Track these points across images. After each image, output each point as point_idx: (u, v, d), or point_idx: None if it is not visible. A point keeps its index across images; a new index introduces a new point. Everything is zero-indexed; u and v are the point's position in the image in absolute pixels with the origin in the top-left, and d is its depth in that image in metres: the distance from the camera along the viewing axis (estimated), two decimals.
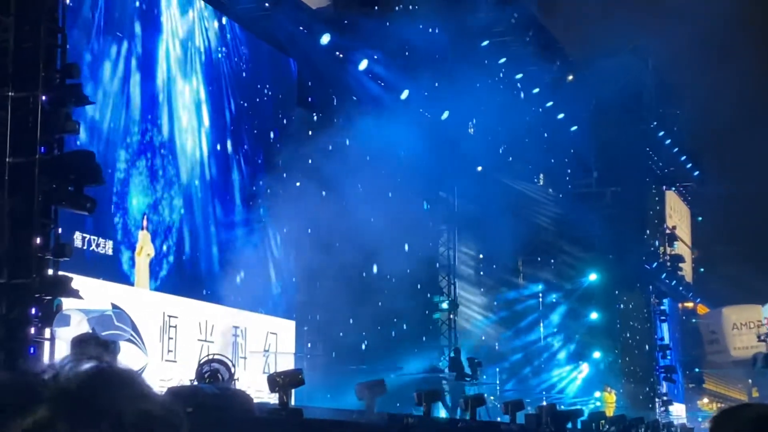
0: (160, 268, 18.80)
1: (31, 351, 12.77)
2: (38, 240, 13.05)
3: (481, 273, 34.37)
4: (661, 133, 47.20)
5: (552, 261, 39.74)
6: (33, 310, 12.81)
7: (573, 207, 39.34)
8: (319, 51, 23.86)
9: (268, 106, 22.94)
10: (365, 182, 23.58)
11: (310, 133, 23.87)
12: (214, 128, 20.77)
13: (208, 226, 20.37)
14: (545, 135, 36.79)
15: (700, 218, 59.76)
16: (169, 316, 18.73)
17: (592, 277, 40.44)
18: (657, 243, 49.43)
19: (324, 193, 21.46)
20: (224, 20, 21.43)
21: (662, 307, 47.96)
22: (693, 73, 52.72)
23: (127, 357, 15.73)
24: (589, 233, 39.57)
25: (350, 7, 25.15)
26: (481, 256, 33.99)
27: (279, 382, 14.41)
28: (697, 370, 58.08)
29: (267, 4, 22.16)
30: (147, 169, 18.60)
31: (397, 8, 26.96)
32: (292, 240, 22.38)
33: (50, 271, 13.16)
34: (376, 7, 26.04)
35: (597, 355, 40.23)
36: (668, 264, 50.09)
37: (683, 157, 51.07)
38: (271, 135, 23.04)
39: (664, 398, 45.73)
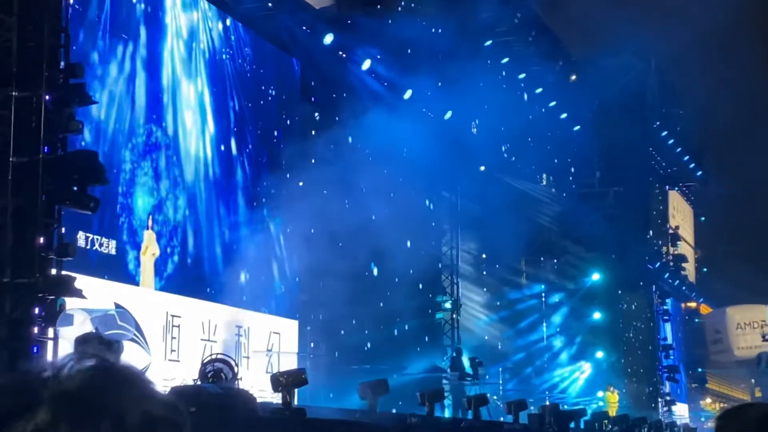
0: (165, 267, 18.84)
1: (35, 350, 12.78)
2: (42, 240, 13.06)
3: (484, 272, 34.37)
4: (664, 133, 47.18)
5: (555, 261, 39.74)
6: (36, 310, 12.82)
7: (576, 207, 39.34)
8: (322, 51, 23.87)
9: (272, 107, 22.97)
10: (368, 182, 23.58)
11: (313, 132, 23.88)
12: (218, 129, 20.81)
13: (212, 226, 20.40)
14: (548, 135, 36.77)
15: (703, 218, 59.73)
16: (173, 316, 18.75)
17: (595, 276, 40.42)
18: (660, 243, 49.40)
19: (327, 192, 21.46)
20: (228, 21, 21.47)
21: (665, 307, 47.93)
22: (696, 73, 52.74)
23: (131, 356, 15.73)
24: (592, 233, 39.55)
25: (353, 6, 25.16)
26: (483, 255, 33.99)
27: (282, 381, 14.42)
28: (700, 370, 58.06)
29: (270, 4, 22.17)
30: (152, 169, 18.67)
31: (399, 8, 26.96)
32: (295, 240, 22.39)
33: (53, 271, 13.17)
34: (379, 7, 26.03)
35: (600, 354, 40.21)
36: (671, 264, 50.07)
37: (686, 157, 51.05)
38: (275, 135, 23.06)
39: (667, 398, 45.71)
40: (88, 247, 16.58)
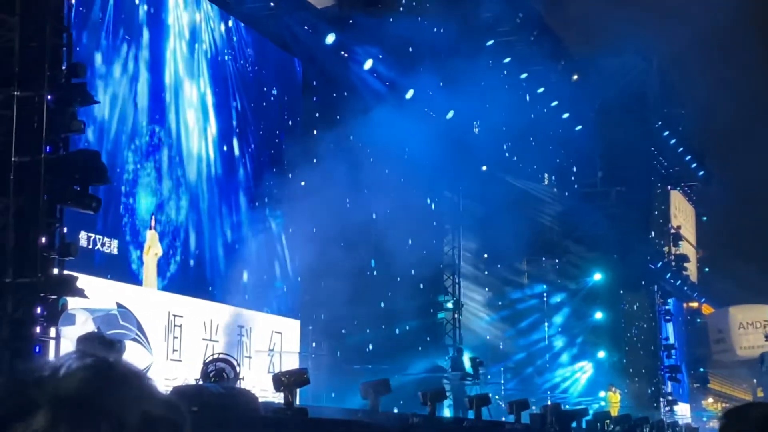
0: (167, 267, 18.87)
1: (37, 350, 12.79)
2: (44, 239, 13.07)
3: (486, 272, 34.37)
4: (666, 133, 47.15)
5: (556, 260, 39.73)
6: (38, 309, 12.83)
7: (578, 206, 39.31)
8: (324, 50, 23.87)
9: (274, 107, 22.99)
10: (370, 182, 23.59)
11: (315, 132, 23.88)
12: (220, 129, 20.85)
13: (214, 226, 20.43)
14: (550, 134, 36.75)
15: (704, 218, 59.71)
16: (175, 316, 18.77)
17: (597, 276, 40.40)
18: (662, 243, 49.39)
19: (329, 192, 21.47)
20: (230, 22, 21.51)
21: (667, 307, 47.93)
22: (697, 73, 52.72)
23: (133, 356, 15.75)
24: (594, 233, 39.52)
25: (355, 6, 25.15)
26: (485, 255, 33.98)
27: (284, 381, 14.42)
28: (702, 369, 58.05)
29: (272, 4, 22.18)
30: (155, 170, 18.71)
31: (401, 8, 26.96)
32: (297, 239, 22.41)
33: (56, 271, 13.18)
34: (381, 7, 26.02)
35: (601, 354, 40.19)
36: (673, 264, 50.06)
37: (688, 157, 51.02)
38: (277, 135, 23.08)
39: (669, 398, 45.70)
40: (91, 246, 16.59)
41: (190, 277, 19.52)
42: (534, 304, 38.04)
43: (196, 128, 20.12)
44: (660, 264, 46.87)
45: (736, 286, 58.80)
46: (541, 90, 34.53)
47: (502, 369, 33.10)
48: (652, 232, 47.34)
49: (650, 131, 44.95)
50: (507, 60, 31.86)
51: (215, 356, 16.21)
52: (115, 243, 17.33)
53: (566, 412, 24.50)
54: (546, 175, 39.67)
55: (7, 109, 13.15)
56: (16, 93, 13.17)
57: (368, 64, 25.29)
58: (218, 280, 20.31)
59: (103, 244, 16.97)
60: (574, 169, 41.51)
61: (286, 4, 22.47)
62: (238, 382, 15.61)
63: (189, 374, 17.14)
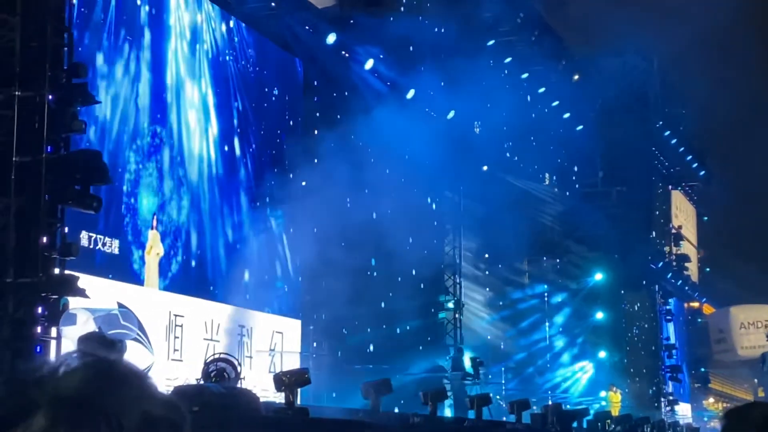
0: (169, 267, 18.89)
1: (38, 350, 12.80)
2: (45, 239, 13.08)
3: (487, 272, 34.37)
4: (667, 133, 47.14)
5: (557, 260, 39.73)
6: (39, 309, 12.83)
7: (578, 206, 39.30)
8: (325, 50, 23.88)
9: (275, 107, 23.01)
10: (371, 182, 23.59)
11: (316, 132, 23.89)
12: (221, 129, 20.87)
13: (215, 225, 20.45)
14: (551, 134, 36.74)
15: (705, 218, 59.70)
16: (176, 315, 18.78)
17: (598, 276, 40.39)
18: (663, 242, 49.38)
19: (330, 192, 21.48)
20: (231, 23, 21.53)
21: (668, 307, 47.94)
22: (698, 73, 52.69)
23: (134, 356, 15.75)
24: (595, 233, 39.52)
25: (356, 6, 25.15)
26: (486, 255, 33.98)
27: (285, 381, 14.42)
28: (702, 369, 58.04)
29: (273, 4, 22.18)
30: (156, 170, 18.73)
31: (402, 8, 26.96)
32: (298, 240, 22.42)
33: (57, 270, 13.18)
34: (382, 7, 26.02)
35: (602, 354, 40.19)
36: (674, 263, 50.05)
37: (689, 157, 51.02)
38: (278, 135, 23.09)
39: (670, 398, 45.71)
40: (92, 246, 16.61)
41: (191, 277, 19.54)
42: (535, 304, 38.04)
43: (198, 128, 20.15)
44: (661, 264, 46.86)
45: (737, 286, 58.82)
46: (541, 90, 34.53)
47: (503, 369, 33.10)
48: (653, 232, 47.34)
49: (651, 131, 44.95)
50: (508, 60, 31.86)
51: (216, 356, 16.21)
52: (116, 243, 17.34)
53: (567, 412, 24.50)
54: (547, 175, 39.67)
55: (8, 109, 13.16)
56: (17, 93, 13.18)
57: (369, 64, 25.30)
58: (219, 280, 20.33)
59: (104, 244, 16.98)
60: (575, 169, 41.49)
61: (286, 4, 22.47)
62: (239, 382, 15.61)
63: (190, 374, 17.15)
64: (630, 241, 40.98)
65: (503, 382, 32.53)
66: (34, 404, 1.37)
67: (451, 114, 28.87)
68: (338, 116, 24.48)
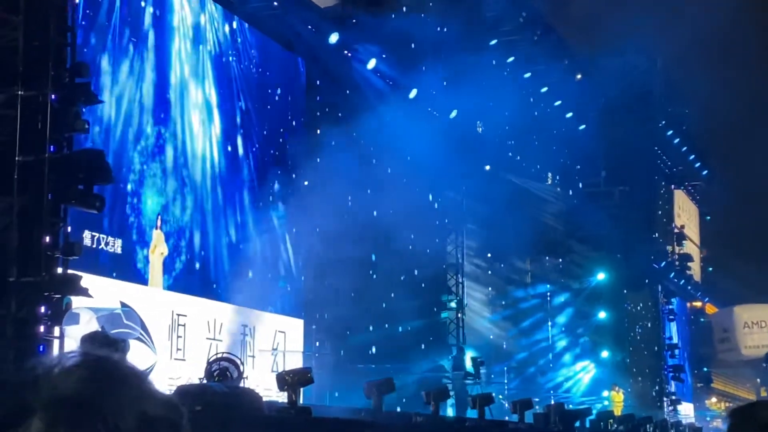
0: (173, 267, 18.91)
1: (41, 349, 12.80)
2: (47, 238, 13.08)
3: (489, 272, 34.36)
4: (670, 132, 47.11)
5: (560, 260, 39.70)
6: (42, 309, 12.84)
7: (581, 206, 39.28)
8: (327, 50, 23.88)
9: (278, 107, 23.02)
10: (373, 181, 23.60)
11: (318, 132, 23.90)
12: (224, 129, 20.88)
13: (218, 225, 20.46)
14: (553, 134, 36.74)
15: (708, 217, 59.67)
16: (178, 315, 18.79)
17: (600, 276, 40.38)
18: (665, 242, 49.35)
19: (332, 192, 21.49)
20: (234, 24, 21.55)
21: (670, 307, 47.92)
22: (701, 73, 52.67)
23: (136, 355, 15.77)
24: (597, 232, 39.49)
25: (358, 5, 25.15)
26: (488, 254, 33.97)
27: (288, 380, 14.42)
28: (705, 369, 58.00)
29: (275, 3, 22.19)
30: (160, 170, 18.76)
31: (404, 7, 26.95)
32: (301, 239, 22.43)
33: (59, 270, 13.19)
34: (384, 6, 26.02)
35: (605, 354, 40.17)
36: (676, 263, 50.02)
37: (692, 156, 51.00)
38: (281, 135, 23.10)
39: (673, 397, 45.68)
40: (95, 246, 16.62)
41: (194, 276, 19.55)
42: (537, 304, 38.03)
43: (201, 129, 20.17)
44: (663, 263, 46.83)
45: (739, 286, 58.78)
46: (544, 89, 34.52)
47: (505, 368, 33.09)
48: (656, 232, 47.31)
49: (654, 130, 44.91)
50: (510, 59, 31.85)
51: (219, 355, 16.21)
52: (119, 242, 17.35)
53: (570, 411, 24.48)
54: (549, 175, 39.65)
55: (10, 109, 13.16)
56: (20, 92, 13.19)
57: (371, 64, 25.30)
58: (222, 280, 20.34)
59: (107, 244, 17.00)
60: (578, 168, 41.46)
61: (289, 3, 22.47)
62: (242, 381, 15.60)
63: (193, 373, 17.14)
64: (632, 240, 40.98)
65: (505, 381, 32.53)
66: (29, 408, 1.35)
67: (454, 113, 28.86)
68: (341, 115, 24.49)
